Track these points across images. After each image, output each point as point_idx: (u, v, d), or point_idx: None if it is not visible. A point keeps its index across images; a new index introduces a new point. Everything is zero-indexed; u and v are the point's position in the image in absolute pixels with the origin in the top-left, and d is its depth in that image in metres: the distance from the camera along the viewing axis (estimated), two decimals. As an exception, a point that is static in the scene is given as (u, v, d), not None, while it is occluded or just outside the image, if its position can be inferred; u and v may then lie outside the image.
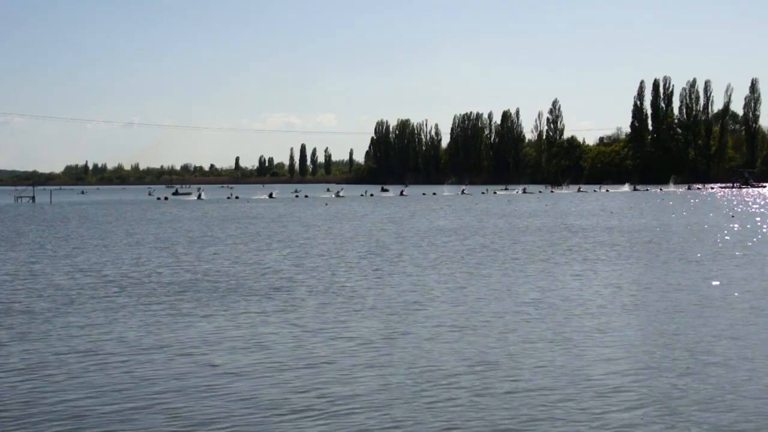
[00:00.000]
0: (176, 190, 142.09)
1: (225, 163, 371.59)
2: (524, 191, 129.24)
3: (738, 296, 18.52)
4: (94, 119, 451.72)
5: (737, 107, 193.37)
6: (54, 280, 22.63)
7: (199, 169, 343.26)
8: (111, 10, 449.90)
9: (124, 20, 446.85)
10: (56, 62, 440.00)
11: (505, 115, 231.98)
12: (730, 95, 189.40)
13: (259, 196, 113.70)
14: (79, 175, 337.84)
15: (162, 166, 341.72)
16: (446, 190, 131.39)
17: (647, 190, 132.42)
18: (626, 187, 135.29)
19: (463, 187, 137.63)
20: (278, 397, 10.73)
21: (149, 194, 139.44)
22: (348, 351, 13.42)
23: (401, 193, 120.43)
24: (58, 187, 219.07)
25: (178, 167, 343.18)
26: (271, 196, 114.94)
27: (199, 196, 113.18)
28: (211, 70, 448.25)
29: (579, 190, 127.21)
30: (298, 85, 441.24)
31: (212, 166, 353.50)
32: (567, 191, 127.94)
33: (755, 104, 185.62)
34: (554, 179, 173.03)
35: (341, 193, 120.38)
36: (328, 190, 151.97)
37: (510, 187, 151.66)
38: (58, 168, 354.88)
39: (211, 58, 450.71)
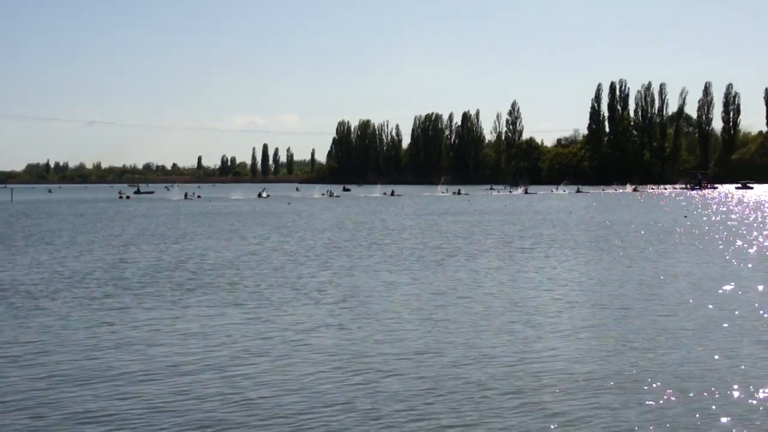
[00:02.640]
0: (138, 189, 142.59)
1: (187, 162, 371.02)
2: (526, 192, 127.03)
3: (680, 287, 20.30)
4: (56, 118, 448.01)
5: (691, 110, 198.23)
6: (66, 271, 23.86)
7: (161, 169, 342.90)
8: (73, 10, 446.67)
9: (87, 20, 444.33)
10: (18, 61, 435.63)
11: (466, 117, 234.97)
12: (684, 98, 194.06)
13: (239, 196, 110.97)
14: (40, 174, 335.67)
15: (124, 165, 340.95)
16: (440, 191, 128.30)
17: (587, 193, 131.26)
18: (561, 189, 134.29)
19: (459, 187, 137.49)
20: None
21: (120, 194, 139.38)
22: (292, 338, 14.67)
23: (392, 194, 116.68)
24: (28, 185, 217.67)
25: (140, 166, 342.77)
26: (259, 195, 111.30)
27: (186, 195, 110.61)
28: (174, 70, 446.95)
29: (526, 192, 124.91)
30: (260, 85, 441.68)
31: (174, 165, 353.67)
32: (519, 192, 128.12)
33: (708, 107, 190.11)
34: (513, 180, 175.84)
35: (335, 194, 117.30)
36: (297, 189, 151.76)
37: (511, 188, 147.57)
38: (19, 166, 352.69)
39: (175, 58, 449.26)
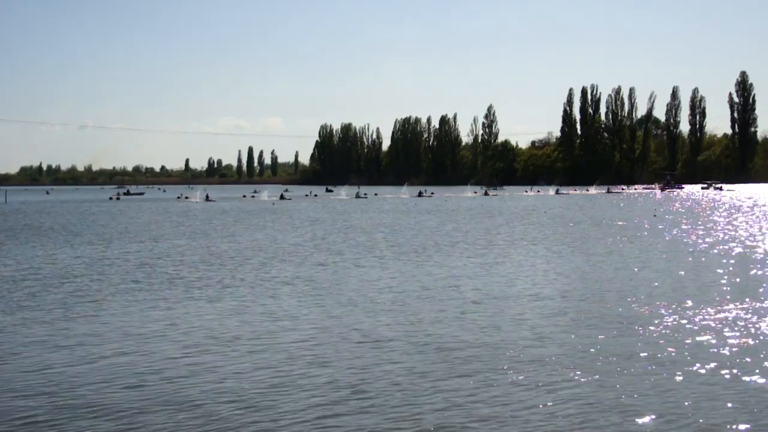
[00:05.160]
0: (128, 191, 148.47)
1: (175, 164, 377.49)
2: (557, 192, 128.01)
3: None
4: (48, 122, 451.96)
5: (659, 113, 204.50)
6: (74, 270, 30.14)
7: (150, 171, 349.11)
8: (64, 15, 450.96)
9: (77, 24, 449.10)
10: (10, 65, 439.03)
11: (444, 120, 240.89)
12: (653, 102, 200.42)
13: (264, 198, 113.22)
14: (33, 176, 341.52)
15: (114, 167, 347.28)
16: (469, 191, 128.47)
17: (567, 192, 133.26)
18: (532, 191, 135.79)
19: (487, 187, 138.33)
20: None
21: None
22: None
23: (419, 194, 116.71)
24: (21, 187, 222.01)
25: (129, 168, 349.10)
26: (282, 197, 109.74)
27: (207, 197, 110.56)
28: (163, 74, 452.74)
29: (486, 193, 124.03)
30: (246, 89, 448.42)
31: (163, 167, 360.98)
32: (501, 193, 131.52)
33: (676, 111, 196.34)
34: (489, 181, 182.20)
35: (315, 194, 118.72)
36: (286, 190, 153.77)
37: (541, 187, 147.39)
38: (13, 169, 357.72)
39: (163, 62, 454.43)
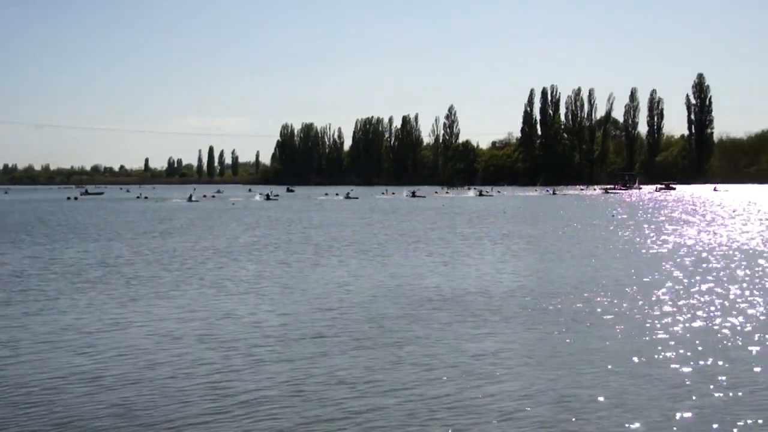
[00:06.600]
0: (86, 190, 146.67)
1: (134, 164, 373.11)
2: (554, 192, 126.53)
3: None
4: (4, 120, 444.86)
5: (618, 115, 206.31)
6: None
7: (109, 170, 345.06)
8: (19, 12, 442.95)
9: (33, 22, 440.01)
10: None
11: (405, 120, 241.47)
12: (612, 103, 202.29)
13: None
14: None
15: (72, 167, 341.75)
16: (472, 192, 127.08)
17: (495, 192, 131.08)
18: (472, 192, 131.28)
19: (351, 188, 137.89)
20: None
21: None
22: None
23: (413, 194, 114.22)
24: None
25: (88, 168, 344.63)
26: (268, 197, 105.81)
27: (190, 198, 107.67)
28: (122, 73, 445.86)
29: (436, 194, 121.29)
30: (206, 88, 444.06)
31: (122, 167, 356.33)
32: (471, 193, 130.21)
33: (634, 112, 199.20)
34: (450, 181, 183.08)
35: (351, 194, 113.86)
36: (249, 190, 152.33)
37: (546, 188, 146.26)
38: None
39: (122, 61, 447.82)
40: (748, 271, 23.27)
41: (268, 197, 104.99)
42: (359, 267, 25.46)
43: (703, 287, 20.08)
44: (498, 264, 26.12)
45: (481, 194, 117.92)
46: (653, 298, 18.41)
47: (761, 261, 25.97)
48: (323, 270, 24.69)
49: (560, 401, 10.39)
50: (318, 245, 33.69)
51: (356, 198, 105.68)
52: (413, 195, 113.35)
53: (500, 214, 60.81)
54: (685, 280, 21.43)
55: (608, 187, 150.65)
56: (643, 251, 30.02)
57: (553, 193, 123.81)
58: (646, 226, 45.09)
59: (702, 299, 18.24)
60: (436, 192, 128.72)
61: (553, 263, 26.16)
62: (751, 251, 29.47)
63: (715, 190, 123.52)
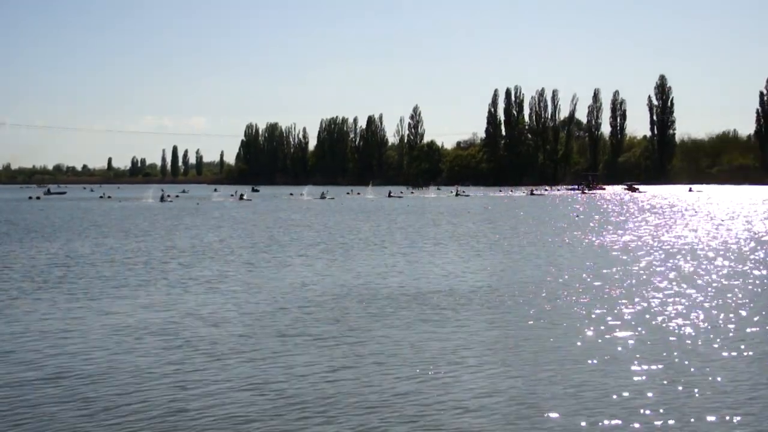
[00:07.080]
0: (48, 190, 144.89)
1: (97, 163, 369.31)
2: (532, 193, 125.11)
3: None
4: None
5: (581, 115, 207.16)
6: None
7: (71, 169, 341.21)
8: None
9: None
10: None
11: (370, 120, 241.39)
12: (575, 104, 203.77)
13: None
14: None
15: (34, 166, 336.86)
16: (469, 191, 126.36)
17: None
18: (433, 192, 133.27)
19: (325, 188, 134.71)
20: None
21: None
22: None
23: (389, 195, 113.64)
24: None
25: (50, 167, 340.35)
26: (242, 198, 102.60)
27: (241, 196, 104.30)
28: (84, 72, 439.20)
29: (390, 195, 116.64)
30: (170, 87, 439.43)
31: (85, 166, 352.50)
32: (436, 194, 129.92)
33: (597, 113, 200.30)
34: (415, 181, 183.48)
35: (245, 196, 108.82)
36: (215, 190, 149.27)
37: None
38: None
39: (84, 60, 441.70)
40: (710, 268, 23.68)
41: (242, 197, 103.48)
42: (391, 261, 25.56)
43: (663, 284, 20.40)
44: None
45: (457, 194, 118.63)
46: (614, 295, 18.67)
47: (726, 258, 26.43)
48: (296, 269, 24.73)
49: (521, 396, 10.52)
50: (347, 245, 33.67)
51: (332, 198, 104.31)
52: (389, 195, 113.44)
53: (517, 215, 60.96)
54: (652, 278, 21.76)
55: (572, 187, 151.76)
56: (609, 250, 30.42)
57: (531, 194, 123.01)
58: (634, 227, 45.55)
59: (662, 296, 18.52)
60: (401, 192, 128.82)
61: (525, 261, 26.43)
62: (715, 250, 30.00)
63: (690, 190, 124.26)
